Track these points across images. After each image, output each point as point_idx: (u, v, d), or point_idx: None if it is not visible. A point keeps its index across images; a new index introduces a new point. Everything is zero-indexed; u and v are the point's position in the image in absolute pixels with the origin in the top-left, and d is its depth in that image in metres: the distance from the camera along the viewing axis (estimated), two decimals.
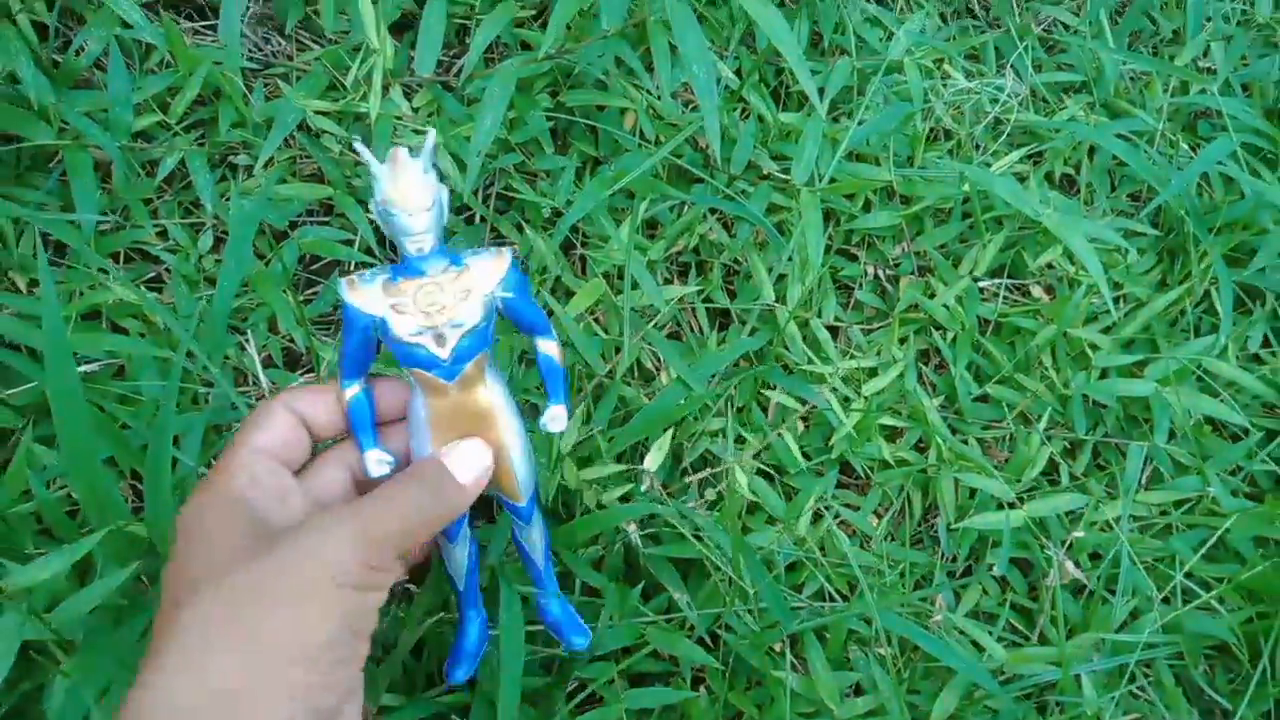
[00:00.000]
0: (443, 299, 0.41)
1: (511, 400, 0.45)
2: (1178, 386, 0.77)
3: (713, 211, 0.85)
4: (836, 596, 0.71)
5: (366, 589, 0.37)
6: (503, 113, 0.74)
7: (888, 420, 0.78)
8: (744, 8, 0.70)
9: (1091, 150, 0.99)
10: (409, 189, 0.39)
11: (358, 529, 0.38)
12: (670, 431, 0.68)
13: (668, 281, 0.85)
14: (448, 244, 0.43)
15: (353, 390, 0.44)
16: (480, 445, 0.44)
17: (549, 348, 0.46)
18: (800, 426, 0.78)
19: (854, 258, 0.89)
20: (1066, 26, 1.12)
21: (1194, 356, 0.79)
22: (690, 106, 0.91)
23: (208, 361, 0.62)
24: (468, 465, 0.43)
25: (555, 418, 0.46)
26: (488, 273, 0.42)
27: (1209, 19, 1.13)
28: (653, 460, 0.64)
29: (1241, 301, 0.90)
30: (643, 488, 0.63)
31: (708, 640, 0.66)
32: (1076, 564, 0.72)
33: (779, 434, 0.72)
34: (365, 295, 0.41)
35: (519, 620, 0.58)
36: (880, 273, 0.88)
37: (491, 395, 0.44)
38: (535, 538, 0.50)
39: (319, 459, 0.46)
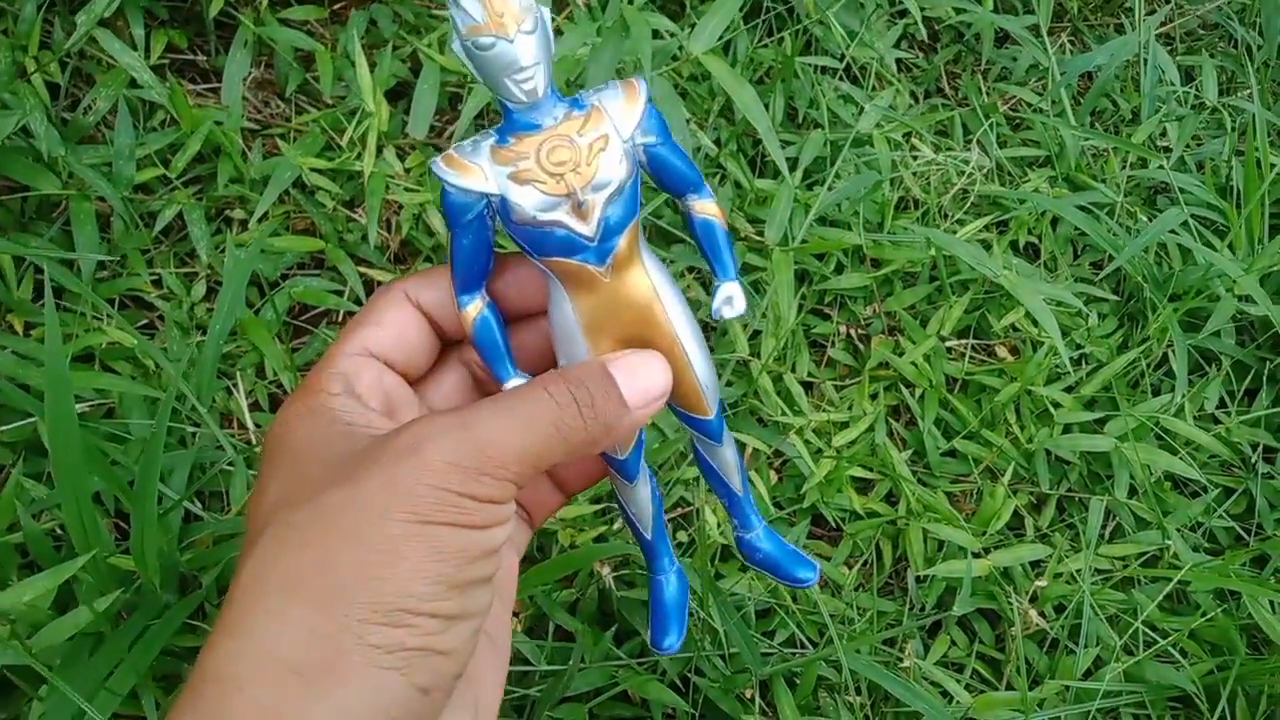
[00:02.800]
0: (575, 154, 0.31)
1: (674, 282, 0.35)
2: (1136, 443, 0.80)
3: (691, 269, 0.89)
4: (807, 643, 0.72)
5: (473, 525, 0.28)
6: None
7: (859, 473, 0.81)
8: (722, 85, 0.75)
9: (1055, 220, 1.04)
10: (505, 3, 0.29)
11: (465, 443, 0.28)
12: None
13: None
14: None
15: (475, 308, 0.34)
16: (660, 363, 0.33)
17: (707, 209, 0.35)
18: (774, 477, 0.81)
19: (827, 317, 0.92)
20: (1030, 105, 1.19)
21: (1151, 414, 0.82)
22: None
23: (196, 402, 0.64)
24: (641, 383, 0.32)
25: (731, 298, 0.35)
26: (621, 114, 0.32)
27: (1163, 101, 1.19)
28: None
29: (1200, 366, 0.94)
30: (616, 527, 0.65)
31: (679, 684, 0.67)
32: (1041, 614, 0.73)
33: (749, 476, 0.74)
34: (471, 169, 0.31)
35: None
36: (852, 332, 0.92)
37: (653, 278, 0.34)
38: (728, 458, 0.39)
39: (442, 364, 0.36)
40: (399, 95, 0.94)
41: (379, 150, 0.84)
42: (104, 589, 0.55)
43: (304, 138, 0.85)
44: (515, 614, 0.66)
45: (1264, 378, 0.90)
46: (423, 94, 0.86)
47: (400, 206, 0.85)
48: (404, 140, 0.89)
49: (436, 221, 0.82)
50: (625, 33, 0.76)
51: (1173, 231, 0.97)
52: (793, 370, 0.86)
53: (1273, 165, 1.06)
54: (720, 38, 1.09)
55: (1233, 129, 1.17)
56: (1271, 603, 0.76)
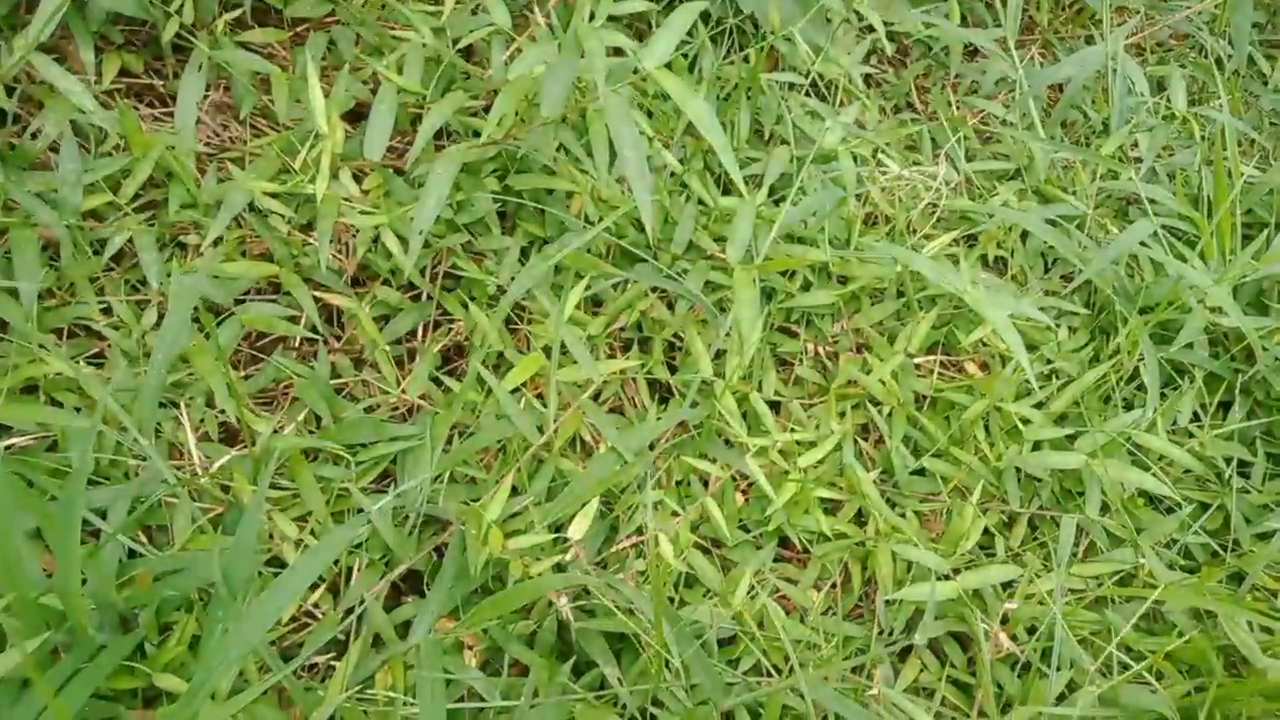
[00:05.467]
0: None
1: None
2: (1106, 459, 0.78)
3: (655, 289, 0.87)
4: (774, 672, 0.70)
5: None
6: (445, 193, 0.76)
7: (827, 494, 0.79)
8: (676, 100, 0.74)
9: (1025, 233, 1.03)
10: None
11: None
12: (598, 500, 0.68)
13: (611, 356, 0.86)
14: None
15: None
16: None
17: None
18: (740, 499, 0.79)
19: (794, 334, 0.91)
20: (999, 119, 1.18)
21: (1122, 430, 0.81)
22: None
23: (137, 434, 0.62)
24: None
25: None
26: None
27: (1134, 112, 1.19)
28: (578, 528, 0.64)
29: (1173, 379, 0.92)
30: (568, 557, 0.63)
31: (639, 718, 0.65)
32: (1013, 637, 0.72)
33: (700, 502, 0.73)
34: None
35: (441, 703, 0.57)
36: (820, 349, 0.90)
37: None
38: None
39: None
40: (359, 116, 0.92)
41: (334, 173, 0.83)
42: (34, 631, 0.53)
43: (257, 161, 0.84)
44: (469, 648, 0.64)
45: (1237, 389, 0.89)
46: (379, 115, 0.84)
47: (357, 230, 0.83)
48: (362, 161, 0.87)
49: (392, 243, 0.81)
50: (580, 51, 0.74)
51: (1144, 244, 0.96)
52: (759, 389, 0.85)
53: (1243, 174, 1.06)
54: (685, 55, 1.09)
55: (1203, 138, 1.17)
56: (1250, 623, 0.74)
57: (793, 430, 0.82)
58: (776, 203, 0.96)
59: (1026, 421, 0.82)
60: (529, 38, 0.97)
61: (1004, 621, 0.72)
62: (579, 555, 0.64)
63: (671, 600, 0.71)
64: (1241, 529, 0.82)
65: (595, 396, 0.83)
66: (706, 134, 0.68)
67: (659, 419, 0.78)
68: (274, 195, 0.82)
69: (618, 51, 0.93)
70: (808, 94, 1.09)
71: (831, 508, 0.81)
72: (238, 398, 0.68)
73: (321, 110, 0.80)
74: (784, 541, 0.79)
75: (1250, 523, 0.83)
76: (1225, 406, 0.90)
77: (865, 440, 0.86)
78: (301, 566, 0.53)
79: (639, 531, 0.73)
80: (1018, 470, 0.81)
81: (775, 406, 0.86)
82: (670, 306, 0.89)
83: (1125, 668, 0.71)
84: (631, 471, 0.71)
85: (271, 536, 0.66)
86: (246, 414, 0.69)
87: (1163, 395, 0.88)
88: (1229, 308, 0.86)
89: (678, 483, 0.78)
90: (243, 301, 0.82)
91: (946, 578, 0.73)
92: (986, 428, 0.83)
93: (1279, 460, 0.87)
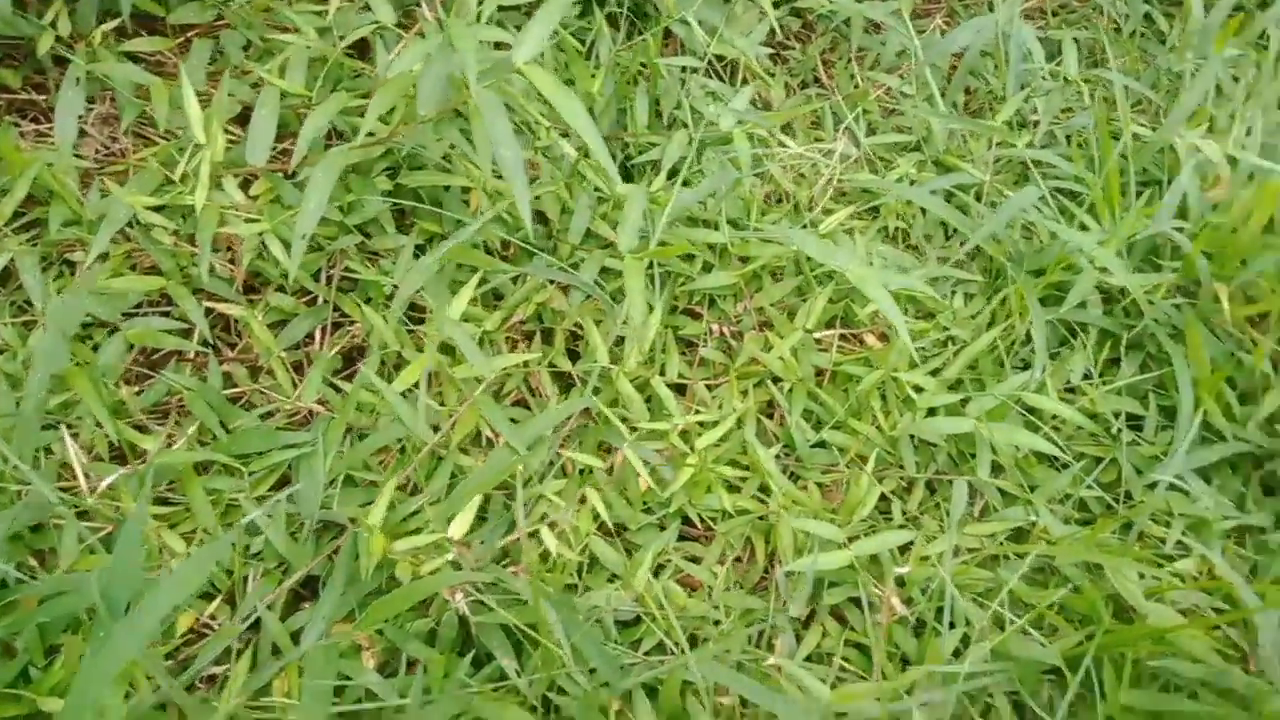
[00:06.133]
0: None
1: None
2: (994, 423, 0.80)
3: (554, 281, 0.88)
4: (676, 650, 0.71)
5: None
6: (326, 196, 0.76)
7: (730, 472, 0.80)
8: (546, 97, 0.73)
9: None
10: None
11: None
12: (500, 493, 0.69)
13: (515, 348, 0.87)
14: None
15: None
16: None
17: None
18: (643, 484, 0.80)
19: (698, 316, 0.92)
20: (902, 92, 1.19)
21: (1012, 392, 0.83)
22: (532, 180, 0.94)
23: (16, 459, 0.62)
24: None
25: None
26: None
27: (1031, 78, 1.20)
28: (459, 528, 0.65)
29: (1069, 340, 0.95)
30: (450, 556, 0.64)
31: (539, 706, 0.66)
32: (909, 600, 0.73)
33: (582, 494, 0.74)
34: None
35: (324, 706, 0.58)
36: (724, 330, 0.91)
37: None
38: None
39: None
40: (249, 122, 0.91)
41: (218, 182, 0.82)
42: None
43: (139, 174, 0.83)
44: (366, 649, 0.64)
45: (1123, 346, 0.91)
46: (260, 120, 0.84)
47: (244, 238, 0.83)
48: (250, 168, 0.86)
49: (278, 249, 0.80)
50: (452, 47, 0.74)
51: (1038, 208, 0.98)
52: (662, 373, 0.86)
53: (1134, 134, 1.08)
54: (582, 41, 1.09)
55: (1104, 99, 1.19)
56: (1141, 574, 0.77)
57: (696, 411, 0.83)
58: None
59: (920, 390, 0.84)
60: (418, 33, 0.96)
61: (901, 584, 0.74)
62: (462, 554, 0.64)
63: (573, 587, 0.72)
64: (1133, 480, 0.84)
65: (500, 389, 0.84)
66: (577, 129, 0.69)
67: (558, 409, 0.78)
68: (158, 208, 0.81)
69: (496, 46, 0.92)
70: (709, 75, 1.10)
71: (737, 484, 0.82)
72: (116, 418, 0.68)
73: (199, 119, 0.79)
74: (690, 521, 0.80)
75: (1141, 474, 0.85)
76: (1118, 362, 0.92)
77: (770, 419, 0.87)
78: (177, 577, 0.53)
79: (544, 517, 0.74)
80: (912, 437, 0.83)
81: (682, 389, 0.87)
82: (568, 296, 0.89)
83: (1019, 620, 0.73)
84: (530, 463, 0.71)
85: (161, 553, 0.66)
86: (130, 432, 0.69)
87: (1058, 355, 0.90)
88: (1113, 266, 0.88)
89: (581, 471, 0.79)
90: (134, 315, 0.81)
91: (842, 547, 0.75)
92: (884, 397, 0.85)
93: (1170, 412, 0.90)
